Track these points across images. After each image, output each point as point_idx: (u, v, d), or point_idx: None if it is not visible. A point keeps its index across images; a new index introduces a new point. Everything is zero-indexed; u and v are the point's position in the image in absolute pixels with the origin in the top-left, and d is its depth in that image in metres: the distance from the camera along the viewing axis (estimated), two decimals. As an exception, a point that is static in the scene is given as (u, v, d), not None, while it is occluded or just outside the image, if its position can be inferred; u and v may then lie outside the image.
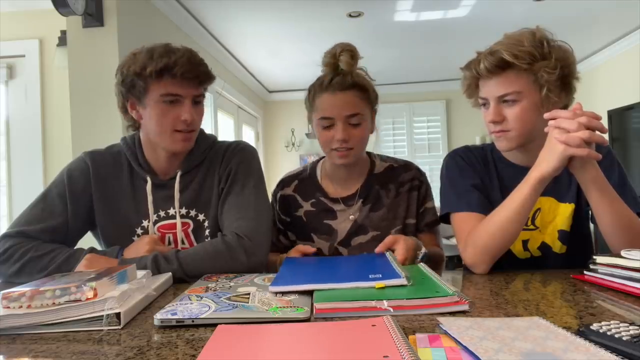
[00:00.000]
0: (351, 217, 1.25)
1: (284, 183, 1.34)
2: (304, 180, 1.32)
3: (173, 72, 1.02)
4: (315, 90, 1.19)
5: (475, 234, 1.00)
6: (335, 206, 1.26)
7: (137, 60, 1.04)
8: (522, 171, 1.03)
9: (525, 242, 1.10)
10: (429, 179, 1.31)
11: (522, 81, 0.99)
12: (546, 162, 0.90)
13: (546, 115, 0.91)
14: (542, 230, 1.09)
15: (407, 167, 1.30)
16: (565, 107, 1.06)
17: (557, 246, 1.08)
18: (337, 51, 1.18)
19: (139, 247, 1.04)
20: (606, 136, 4.54)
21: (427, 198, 1.28)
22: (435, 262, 1.19)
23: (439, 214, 1.19)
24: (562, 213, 1.08)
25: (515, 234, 0.97)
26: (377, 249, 1.05)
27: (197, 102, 1.11)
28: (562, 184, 1.09)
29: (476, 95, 1.09)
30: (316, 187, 1.30)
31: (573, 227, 1.08)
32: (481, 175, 1.13)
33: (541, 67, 0.97)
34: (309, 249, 1.16)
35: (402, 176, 1.27)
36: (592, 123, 0.86)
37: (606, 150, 1.07)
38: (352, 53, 1.17)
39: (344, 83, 1.15)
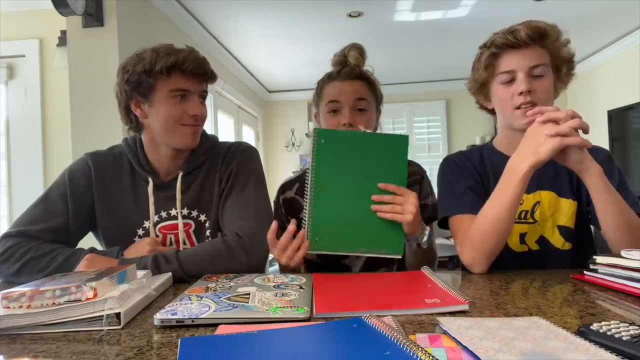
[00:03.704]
0: None
1: (285, 187, 1.35)
2: (305, 183, 1.32)
3: (183, 68, 1.06)
4: (324, 81, 1.27)
5: (470, 235, 1.00)
6: None
7: (144, 59, 1.06)
8: None
9: (522, 235, 1.09)
10: (429, 178, 1.33)
11: (546, 57, 1.04)
12: (535, 155, 0.90)
13: (529, 113, 0.94)
14: (541, 224, 1.09)
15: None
16: None
17: (560, 242, 1.08)
18: (346, 50, 1.28)
19: (140, 248, 1.04)
20: (605, 136, 4.57)
21: (427, 194, 1.29)
22: (428, 258, 1.21)
23: (437, 218, 1.19)
24: (562, 208, 1.08)
25: (507, 230, 0.97)
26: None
27: (203, 98, 1.15)
28: (562, 179, 1.09)
29: (491, 72, 1.07)
30: None
31: (577, 224, 1.08)
32: (477, 175, 1.14)
33: (562, 44, 1.05)
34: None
35: None
36: (576, 115, 0.89)
37: (606, 155, 1.08)
38: (360, 50, 1.27)
39: (352, 73, 1.23)
